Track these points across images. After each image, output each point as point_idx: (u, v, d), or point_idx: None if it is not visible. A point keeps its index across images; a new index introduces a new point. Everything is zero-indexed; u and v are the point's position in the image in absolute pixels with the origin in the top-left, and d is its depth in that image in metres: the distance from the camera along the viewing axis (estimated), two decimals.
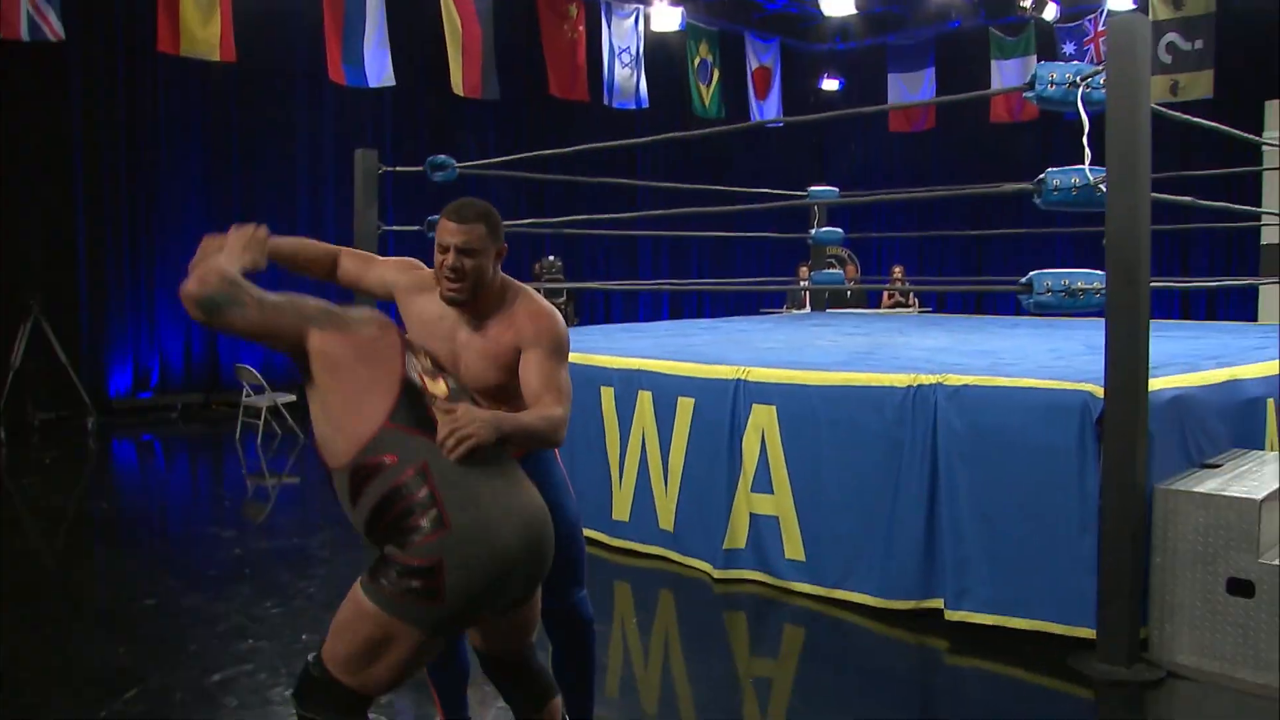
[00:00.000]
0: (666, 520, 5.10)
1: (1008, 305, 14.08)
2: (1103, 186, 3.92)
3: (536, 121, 12.87)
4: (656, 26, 12.82)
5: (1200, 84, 12.32)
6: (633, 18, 12.80)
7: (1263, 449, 4.68)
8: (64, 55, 9.59)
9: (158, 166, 10.48)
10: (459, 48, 11.27)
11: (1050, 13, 12.68)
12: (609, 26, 12.56)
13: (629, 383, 5.23)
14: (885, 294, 12.62)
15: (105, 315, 10.24)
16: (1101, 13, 12.70)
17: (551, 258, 10.63)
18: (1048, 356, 5.13)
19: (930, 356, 5.29)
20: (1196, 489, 3.75)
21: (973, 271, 14.89)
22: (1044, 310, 4.10)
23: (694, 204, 11.80)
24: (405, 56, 11.05)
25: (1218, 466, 4.13)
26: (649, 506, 5.18)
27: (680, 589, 4.90)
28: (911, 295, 12.51)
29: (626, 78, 12.72)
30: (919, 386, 4.19)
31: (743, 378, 4.76)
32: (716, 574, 4.81)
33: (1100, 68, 4.02)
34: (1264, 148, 9.73)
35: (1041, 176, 4.10)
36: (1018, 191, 4.34)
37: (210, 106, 10.71)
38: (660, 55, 13.40)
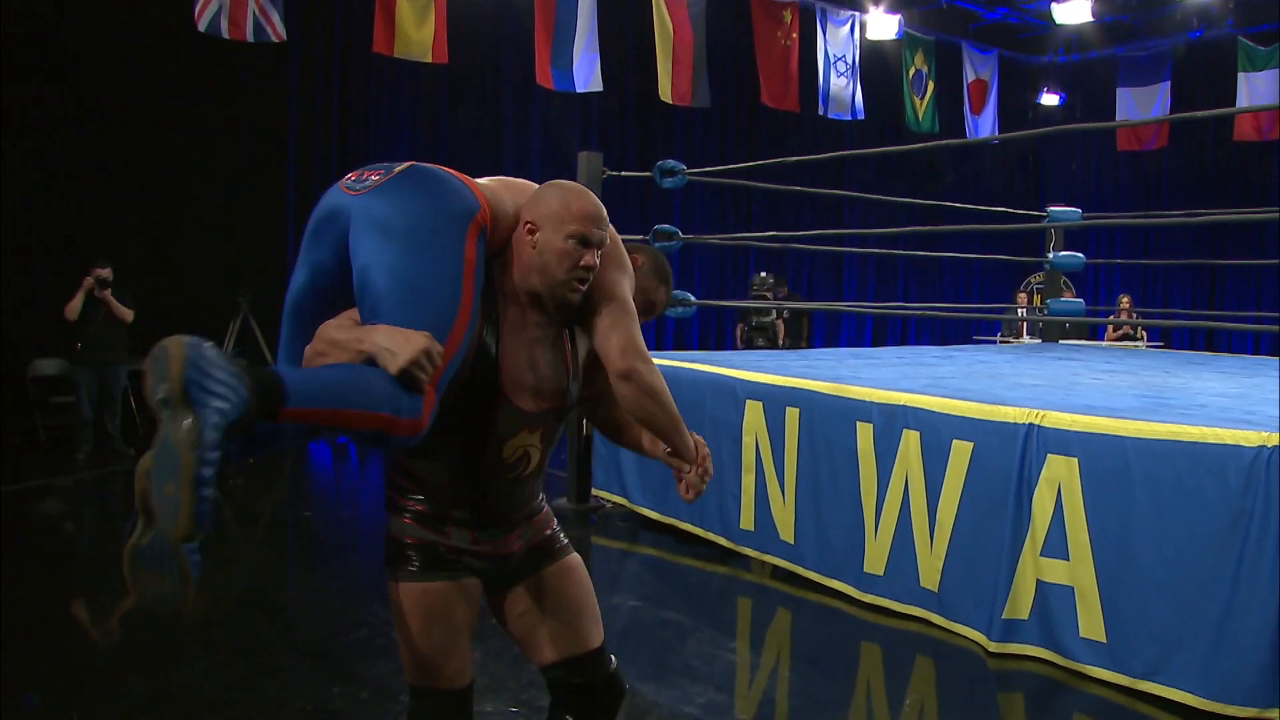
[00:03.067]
0: (930, 579, 4.51)
1: (1240, 343, 12.88)
2: None
3: (745, 131, 12.43)
4: (872, 35, 12.23)
5: None
6: (848, 25, 12.23)
7: None
8: (284, 55, 9.64)
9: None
10: (669, 54, 10.92)
11: None
12: (824, 34, 12.03)
13: (893, 419, 4.65)
14: (1110, 326, 11.68)
15: None
16: None
17: (764, 274, 10.12)
18: None
19: (1241, 405, 4.54)
20: None
21: (1202, 304, 13.71)
22: None
23: (909, 222, 11.13)
24: (614, 61, 10.76)
25: None
26: (909, 560, 4.59)
27: (944, 658, 4.30)
28: (1140, 329, 11.53)
29: (842, 87, 12.15)
30: (1276, 448, 3.48)
31: (1037, 422, 4.13)
32: (992, 646, 4.19)
33: None
34: None
35: None
36: None
37: (420, 109, 10.66)
38: (874, 65, 12.78)
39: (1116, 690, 3.88)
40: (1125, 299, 12.27)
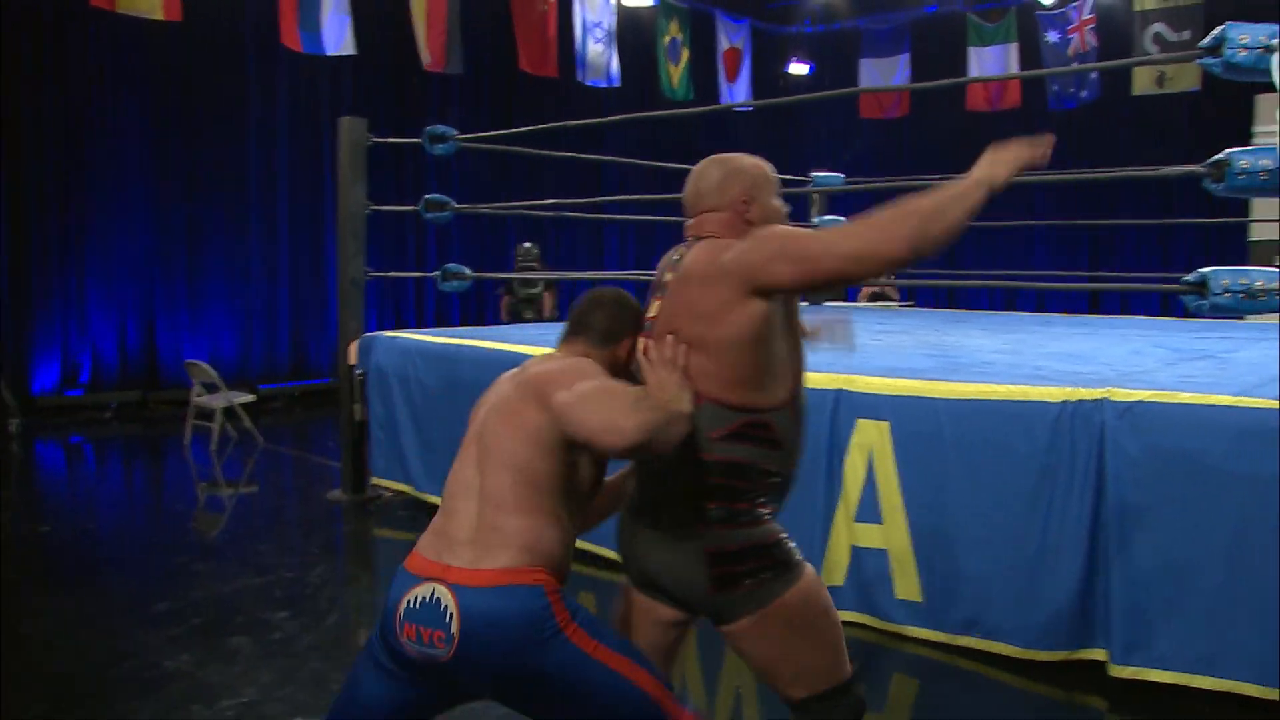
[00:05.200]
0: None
1: (977, 299, 13.70)
2: None
3: (504, 98, 12.06)
4: (628, 2, 12.13)
5: (1187, 75, 12.02)
6: None
7: None
8: None
9: (88, 139, 9.43)
10: (424, 18, 10.42)
11: None
12: (582, 1, 11.80)
13: None
14: (863, 286, 12.12)
15: (28, 304, 9.19)
16: (1088, 1, 12.34)
17: (528, 244, 9.84)
18: (1193, 362, 4.56)
19: (1022, 361, 4.69)
20: None
21: (944, 264, 14.48)
22: (1220, 313, 3.51)
23: (671, 188, 11.08)
24: (368, 25, 10.14)
25: None
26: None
27: None
28: (895, 288, 12.03)
29: (599, 54, 11.99)
30: (1079, 403, 3.56)
31: (845, 387, 4.09)
32: None
33: None
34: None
35: (1222, 157, 3.50)
36: (1185, 174, 3.74)
37: (150, 73, 9.69)
38: (630, 32, 12.69)
39: (935, 648, 3.91)
40: None
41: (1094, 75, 12.70)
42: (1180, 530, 3.37)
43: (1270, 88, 3.54)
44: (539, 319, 9.94)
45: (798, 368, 2.25)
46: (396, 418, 5.99)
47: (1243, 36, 3.45)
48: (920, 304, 13.02)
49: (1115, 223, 12.17)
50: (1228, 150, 3.54)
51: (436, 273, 6.22)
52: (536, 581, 2.01)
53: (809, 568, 2.25)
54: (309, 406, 10.11)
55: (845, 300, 11.92)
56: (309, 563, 5.08)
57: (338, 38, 9.74)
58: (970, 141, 11.71)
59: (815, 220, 8.72)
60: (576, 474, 2.16)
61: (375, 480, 6.24)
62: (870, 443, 3.98)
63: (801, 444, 2.27)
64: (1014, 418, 3.67)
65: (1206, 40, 3.63)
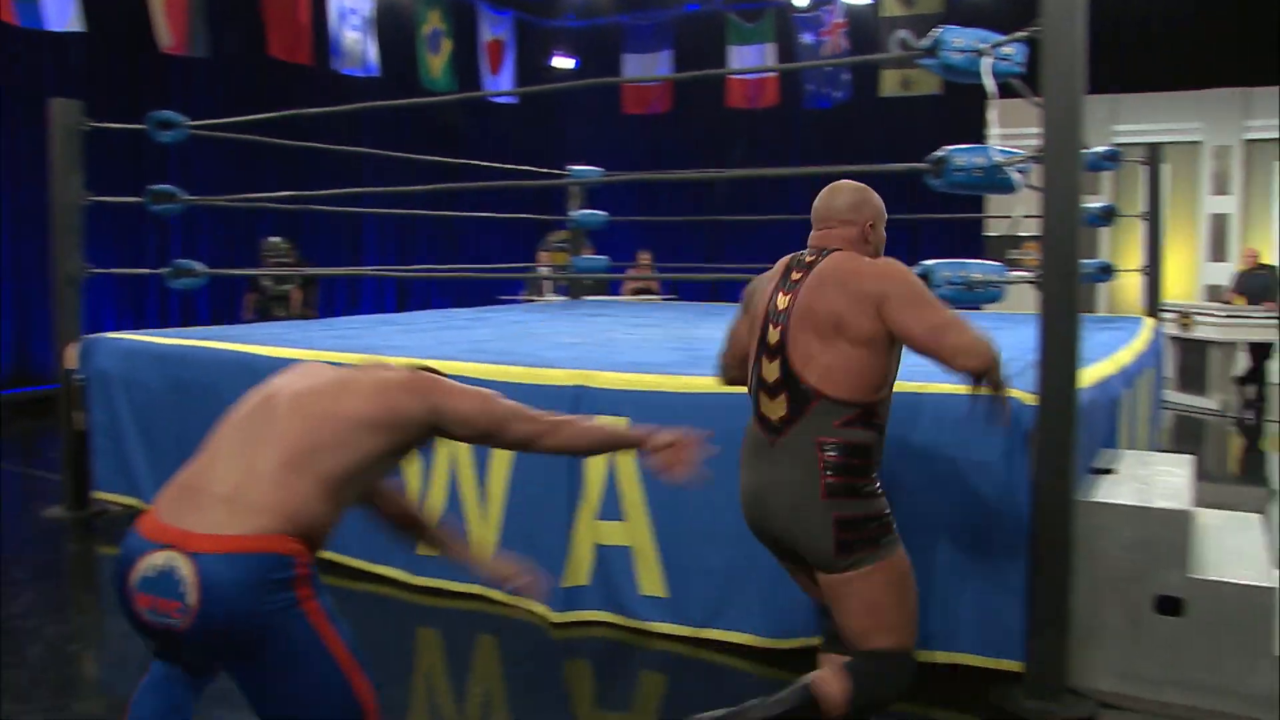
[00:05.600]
0: (486, 553, 4.28)
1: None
2: (1008, 169, 3.52)
3: (254, 86, 11.43)
4: None
5: (930, 79, 12.68)
6: None
7: (1115, 446, 4.49)
8: None
9: None
10: None
11: None
12: None
13: None
14: (626, 281, 12.21)
15: None
16: (838, 5, 12.82)
17: (277, 239, 9.36)
18: None
19: None
20: (1121, 501, 3.39)
21: (709, 259, 14.78)
22: None
23: (429, 181, 10.87)
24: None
25: (1110, 472, 3.83)
26: (462, 536, 4.33)
27: (507, 636, 4.12)
28: (654, 283, 12.16)
29: (355, 42, 11.57)
30: None
31: (584, 383, 4.02)
32: (555, 617, 4.06)
33: (1010, 37, 3.58)
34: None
35: (941, 154, 3.63)
36: (910, 171, 3.85)
37: None
38: (389, 21, 12.30)
39: (680, 642, 3.90)
40: (646, 255, 12.88)
41: (846, 76, 13.23)
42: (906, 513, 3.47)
43: (1006, 92, 3.70)
44: (289, 316, 9.49)
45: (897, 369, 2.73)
46: (121, 426, 5.54)
47: (957, 40, 3.58)
48: (685, 297, 13.24)
49: None
50: (947, 148, 3.66)
51: (165, 269, 5.78)
52: (290, 551, 1.98)
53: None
54: (36, 415, 9.27)
55: (608, 294, 11.98)
56: (14, 591, 4.61)
57: (62, 12, 8.97)
58: (730, 138, 11.96)
59: (573, 214, 8.68)
60: (380, 467, 2.19)
61: (98, 494, 5.75)
62: None
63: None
64: (743, 408, 3.68)
65: (925, 42, 3.76)
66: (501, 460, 4.19)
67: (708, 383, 3.82)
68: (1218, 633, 3.23)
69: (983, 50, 3.62)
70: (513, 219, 11.84)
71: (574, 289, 9.90)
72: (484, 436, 2.34)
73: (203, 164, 10.88)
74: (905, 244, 13.44)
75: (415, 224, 13.45)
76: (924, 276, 3.63)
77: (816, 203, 2.84)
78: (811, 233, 2.84)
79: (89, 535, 5.56)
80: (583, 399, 3.98)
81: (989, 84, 3.60)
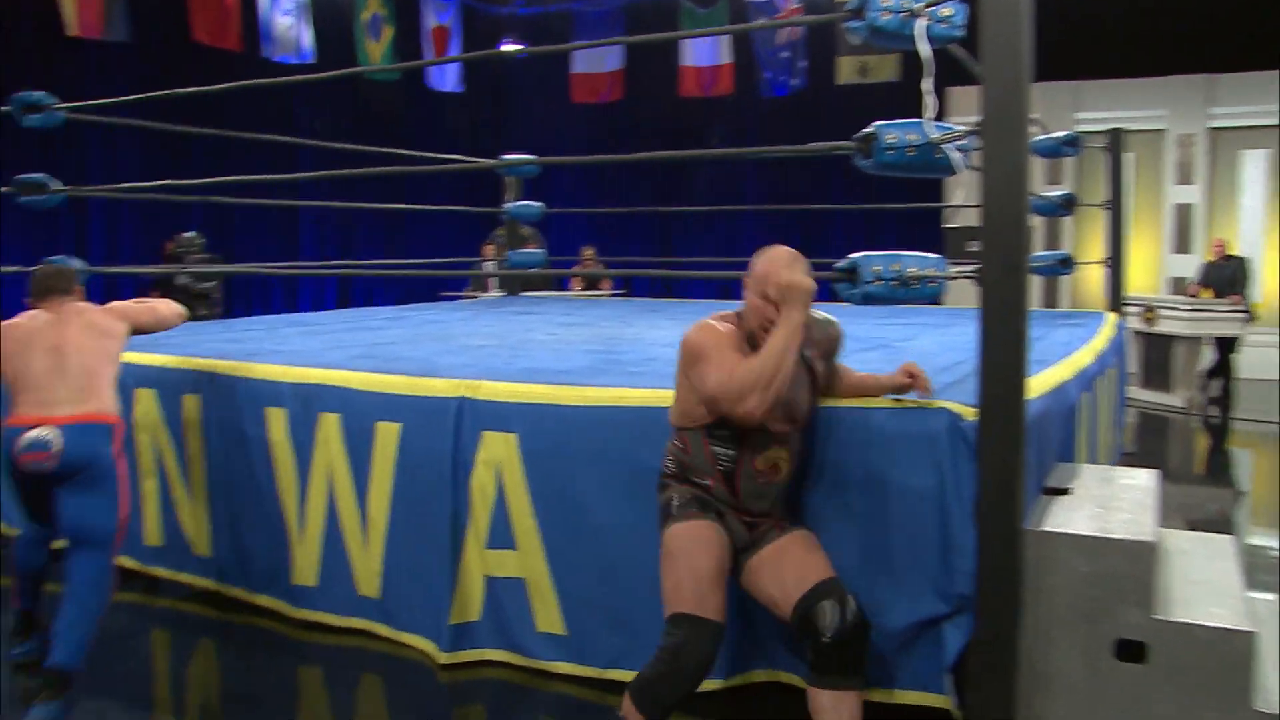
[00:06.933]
0: (369, 585, 3.79)
1: (691, 289, 13.57)
2: (945, 147, 3.05)
3: (176, 72, 10.81)
4: None
5: (887, 67, 12.28)
6: None
7: (1073, 458, 4.05)
8: None
9: None
10: None
11: None
12: None
13: (307, 402, 3.84)
14: (575, 277, 11.73)
15: None
16: None
17: (191, 233, 8.78)
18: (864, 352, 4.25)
19: None
20: (1075, 530, 2.93)
21: (658, 252, 14.31)
22: (871, 301, 3.14)
23: (367, 169, 10.23)
24: None
25: (1065, 492, 3.38)
26: (343, 567, 3.84)
27: (393, 675, 3.63)
28: (604, 279, 11.67)
29: (287, 27, 10.98)
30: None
31: (468, 395, 3.53)
32: (443, 657, 3.57)
33: None
34: None
35: (869, 131, 3.13)
36: (833, 150, 3.38)
37: None
38: (325, 6, 11.72)
39: (584, 684, 3.43)
40: (589, 250, 12.40)
41: (803, 64, 12.79)
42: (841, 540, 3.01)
43: (962, 78, 3.23)
44: (211, 316, 8.92)
45: None
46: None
47: None
48: (639, 292, 12.75)
49: (805, 208, 12.13)
50: (876, 123, 3.18)
51: (35, 268, 5.21)
52: (114, 421, 3.47)
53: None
54: None
55: (556, 289, 11.48)
56: None
57: None
58: (682, 127, 11.33)
59: (508, 207, 8.18)
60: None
61: None
62: (498, 458, 3.44)
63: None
64: (645, 424, 3.21)
65: (850, 2, 3.28)
66: (383, 478, 3.69)
67: (599, 394, 3.34)
68: (1187, 682, 2.78)
69: (915, 10, 3.15)
70: (453, 212, 11.29)
71: (509, 284, 9.39)
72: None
73: (128, 156, 10.31)
74: (861, 237, 13.03)
75: (355, 218, 12.89)
76: (851, 270, 3.16)
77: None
78: None
79: None
80: (465, 412, 3.49)
81: (924, 49, 3.13)
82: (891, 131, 3.11)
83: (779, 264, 2.83)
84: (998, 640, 2.82)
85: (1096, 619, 2.88)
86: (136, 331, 3.76)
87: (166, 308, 3.95)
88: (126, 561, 4.54)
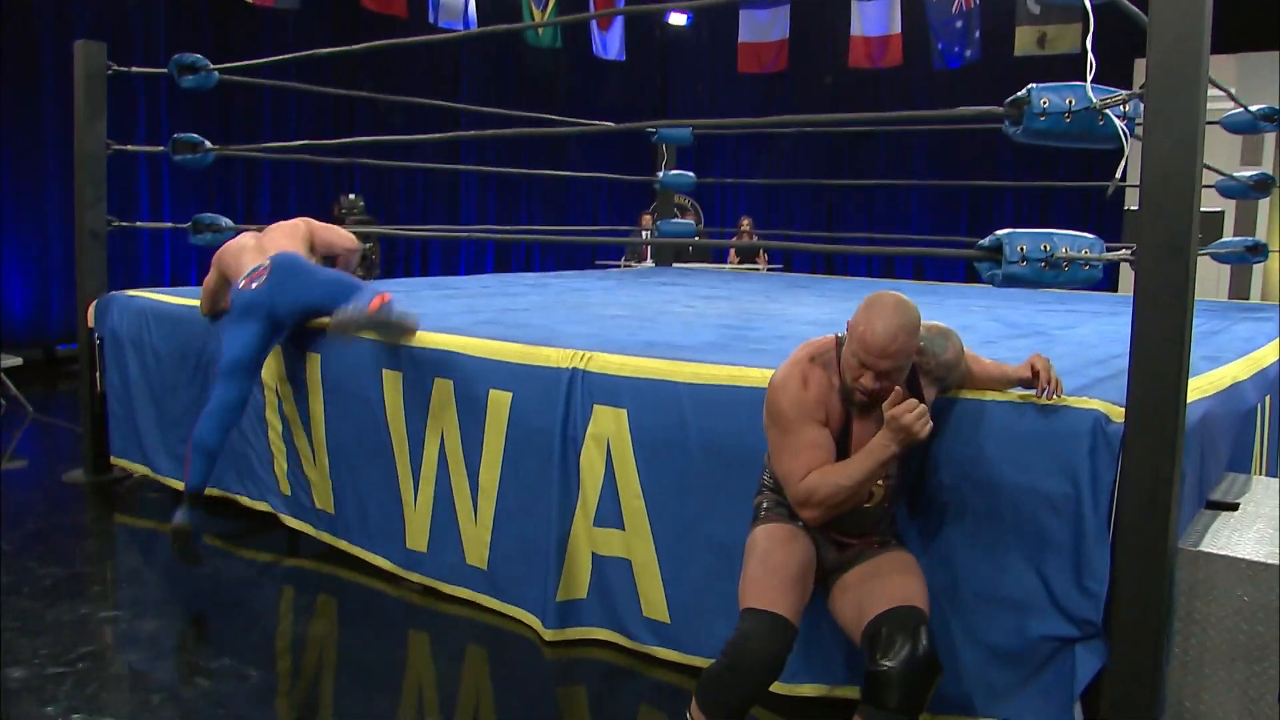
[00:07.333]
0: (477, 555, 3.72)
1: (855, 265, 13.17)
2: (1108, 112, 2.73)
3: (346, 38, 11.04)
4: None
5: (1068, 37, 11.55)
6: None
7: (1248, 469, 3.64)
8: None
9: None
10: None
11: None
12: None
13: (421, 367, 3.79)
14: (732, 250, 11.51)
15: None
16: None
17: (353, 196, 8.95)
18: (1018, 339, 3.96)
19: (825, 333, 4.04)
20: (1238, 553, 2.60)
21: (822, 226, 13.93)
22: (1015, 283, 2.85)
23: (531, 142, 10.23)
24: None
25: (1233, 507, 3.02)
26: (453, 535, 3.78)
27: (498, 649, 3.55)
28: (762, 252, 11.42)
29: None
30: None
31: (581, 366, 3.39)
32: (548, 634, 3.47)
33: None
34: None
35: (1022, 94, 2.84)
36: (980, 114, 3.09)
37: None
38: None
39: (683, 673, 3.27)
40: (746, 221, 12.15)
41: (977, 34, 12.17)
42: (965, 553, 2.75)
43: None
44: (370, 277, 9.09)
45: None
46: (132, 390, 5.17)
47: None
48: (799, 268, 12.43)
49: (978, 184, 11.56)
50: (1030, 86, 2.88)
51: (188, 224, 5.35)
52: None
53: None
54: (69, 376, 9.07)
55: (713, 261, 11.30)
56: (31, 560, 4.27)
57: None
58: (851, 98, 10.91)
59: (660, 176, 8.02)
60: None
61: (115, 460, 5.41)
62: (607, 433, 3.30)
63: None
64: (748, 406, 3.00)
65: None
66: (494, 448, 3.60)
67: (716, 371, 3.15)
68: None
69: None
70: (608, 179, 11.21)
71: (660, 255, 9.24)
72: None
73: (297, 120, 10.61)
74: (1035, 218, 12.37)
75: (516, 188, 12.98)
76: (995, 249, 2.88)
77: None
78: None
79: (110, 502, 5.22)
80: (577, 384, 3.36)
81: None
82: (1046, 95, 2.80)
83: (879, 338, 2.46)
84: (1135, 673, 2.52)
85: (1260, 658, 2.55)
86: (313, 243, 4.52)
87: (341, 234, 4.73)
88: (262, 506, 4.63)
